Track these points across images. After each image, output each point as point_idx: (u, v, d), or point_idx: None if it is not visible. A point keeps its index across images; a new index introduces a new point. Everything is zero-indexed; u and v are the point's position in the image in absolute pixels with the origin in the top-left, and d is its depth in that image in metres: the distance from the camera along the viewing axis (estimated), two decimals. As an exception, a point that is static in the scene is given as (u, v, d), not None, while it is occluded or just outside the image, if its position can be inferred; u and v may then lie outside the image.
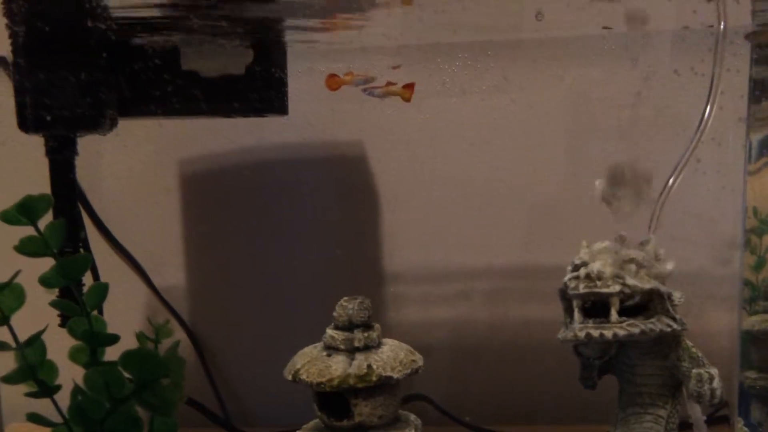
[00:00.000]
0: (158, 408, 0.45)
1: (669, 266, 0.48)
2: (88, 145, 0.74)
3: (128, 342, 0.54)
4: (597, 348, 0.52)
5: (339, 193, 0.97)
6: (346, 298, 0.61)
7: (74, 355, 0.54)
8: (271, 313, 0.98)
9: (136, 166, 1.00)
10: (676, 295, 0.48)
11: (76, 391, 0.50)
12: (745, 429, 0.71)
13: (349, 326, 0.59)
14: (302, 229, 0.97)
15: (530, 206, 0.92)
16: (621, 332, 0.46)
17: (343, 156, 0.96)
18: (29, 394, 0.51)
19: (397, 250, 0.98)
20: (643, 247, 0.48)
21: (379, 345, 0.60)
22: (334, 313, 0.60)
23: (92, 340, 0.51)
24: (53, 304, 0.53)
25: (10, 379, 0.49)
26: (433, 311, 0.99)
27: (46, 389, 0.51)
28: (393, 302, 0.97)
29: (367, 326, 0.59)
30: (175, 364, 0.45)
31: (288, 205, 0.98)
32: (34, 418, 0.51)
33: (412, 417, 0.62)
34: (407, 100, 0.61)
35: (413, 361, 0.60)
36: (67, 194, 0.63)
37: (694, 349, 0.51)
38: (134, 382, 0.44)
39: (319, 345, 0.61)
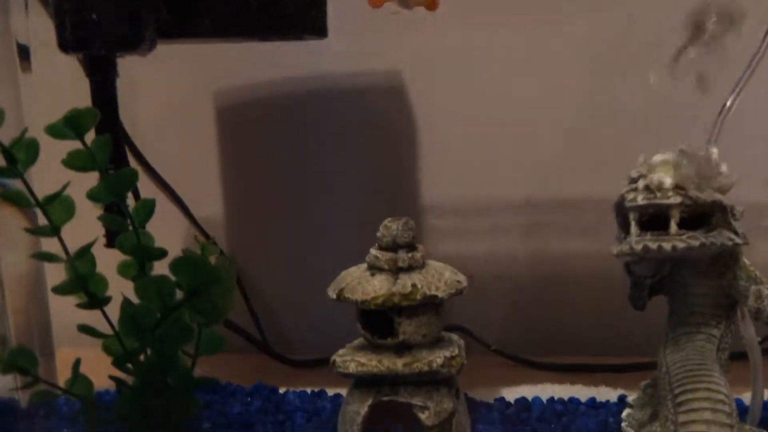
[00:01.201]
0: (209, 315, 0.46)
1: (732, 178, 0.46)
2: (122, 75, 0.74)
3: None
4: (651, 265, 0.51)
5: (377, 124, 0.95)
6: (390, 218, 0.60)
7: (123, 270, 0.54)
8: (308, 242, 0.98)
9: (173, 97, 0.99)
10: (738, 209, 0.46)
11: (126, 303, 0.50)
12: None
13: (393, 246, 0.58)
14: (339, 159, 0.97)
15: (571, 137, 0.90)
16: (680, 245, 0.44)
17: (381, 86, 0.94)
18: (80, 305, 0.51)
19: (435, 182, 0.96)
20: (705, 159, 0.46)
21: (423, 266, 0.59)
22: (378, 234, 0.59)
23: (141, 254, 0.51)
24: (102, 218, 0.53)
25: (61, 289, 0.50)
26: (470, 244, 0.98)
27: (97, 301, 0.52)
28: (430, 234, 0.97)
29: (411, 247, 0.59)
30: (225, 272, 0.45)
31: (325, 136, 0.97)
32: (85, 329, 0.52)
33: (456, 337, 0.61)
34: (430, 8, 0.58)
35: (458, 281, 0.59)
36: (109, 114, 0.63)
37: (752, 268, 0.50)
38: (185, 289, 0.44)
39: (363, 266, 0.60)
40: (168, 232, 1.02)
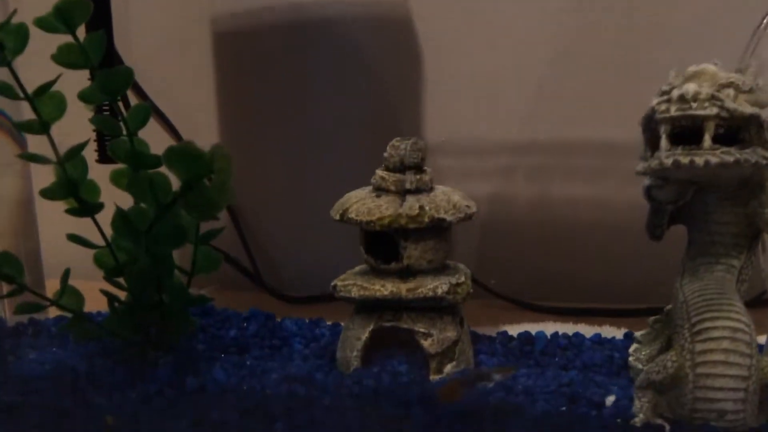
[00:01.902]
0: (204, 210, 0.43)
1: (770, 93, 0.43)
2: (116, 2, 0.69)
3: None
4: (674, 190, 0.48)
5: (381, 56, 0.91)
6: (398, 138, 0.57)
7: (116, 178, 0.51)
8: (307, 177, 0.95)
9: (168, 24, 0.95)
10: (774, 128, 0.44)
11: (119, 211, 0.47)
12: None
13: (400, 167, 0.56)
14: (342, 92, 0.93)
15: (580, 76, 0.86)
16: (714, 160, 0.42)
17: (387, 16, 0.90)
18: (70, 211, 0.49)
19: (438, 121, 0.93)
20: (742, 71, 0.43)
21: (431, 189, 0.57)
22: (385, 154, 0.56)
23: (135, 160, 0.48)
24: (94, 120, 0.49)
25: (49, 192, 0.47)
26: (472, 185, 0.95)
27: (87, 207, 0.49)
28: (437, 176, 0.94)
29: (419, 168, 0.56)
30: (221, 162, 0.42)
31: (327, 66, 0.93)
32: (75, 238, 0.50)
33: (462, 266, 0.59)
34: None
35: (467, 206, 0.57)
36: (103, 8, 0.59)
37: (780, 195, 0.48)
38: (180, 183, 0.41)
39: (368, 188, 0.58)
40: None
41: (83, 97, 0.49)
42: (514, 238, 0.93)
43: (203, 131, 0.96)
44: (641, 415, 0.47)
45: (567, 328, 0.65)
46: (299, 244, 0.96)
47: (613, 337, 0.63)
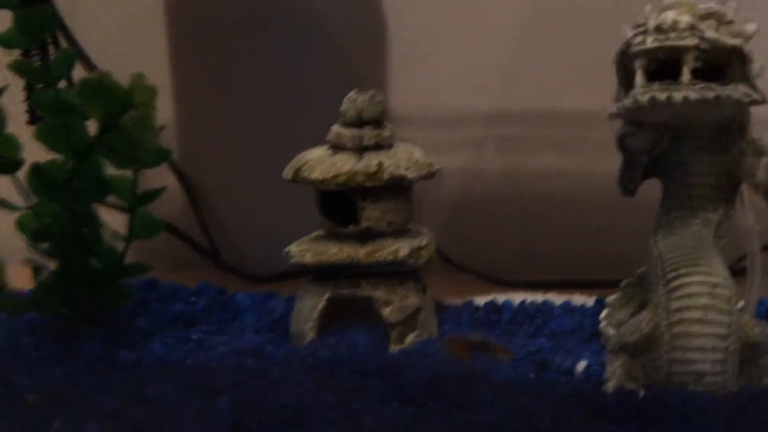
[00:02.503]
0: (126, 153, 0.38)
1: (751, 26, 0.40)
2: None
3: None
4: (648, 138, 0.45)
5: (344, 25, 0.87)
6: (355, 90, 0.53)
7: (42, 135, 0.46)
8: (270, 153, 0.91)
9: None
10: (756, 65, 0.41)
11: (34, 166, 0.43)
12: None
13: (358, 122, 0.52)
14: (299, 63, 0.88)
15: (552, 42, 0.83)
16: (693, 95, 0.38)
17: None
18: (-16, 167, 0.44)
19: (404, 89, 0.89)
20: (724, 2, 0.40)
21: (391, 145, 0.53)
22: (342, 108, 0.52)
23: (61, 111, 0.43)
24: (14, 66, 0.45)
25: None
26: (442, 158, 0.92)
27: (6, 164, 0.44)
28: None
29: (378, 123, 0.52)
30: (142, 95, 0.37)
31: (288, 36, 0.88)
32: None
33: (425, 229, 0.56)
34: None
35: (430, 164, 0.53)
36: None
37: (761, 142, 0.44)
38: (98, 125, 0.37)
39: (324, 146, 0.54)
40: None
41: (2, 41, 0.44)
42: (486, 211, 0.90)
43: (158, 106, 0.91)
44: (614, 381, 0.43)
45: (536, 298, 0.62)
46: (262, 220, 0.92)
47: (584, 304, 0.60)
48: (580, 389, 0.41)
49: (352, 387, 0.42)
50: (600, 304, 0.58)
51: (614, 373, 0.44)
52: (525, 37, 0.84)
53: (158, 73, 0.90)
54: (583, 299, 0.63)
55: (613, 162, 0.50)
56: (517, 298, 0.63)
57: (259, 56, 0.88)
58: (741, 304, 0.47)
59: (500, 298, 0.62)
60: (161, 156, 0.45)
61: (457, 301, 0.63)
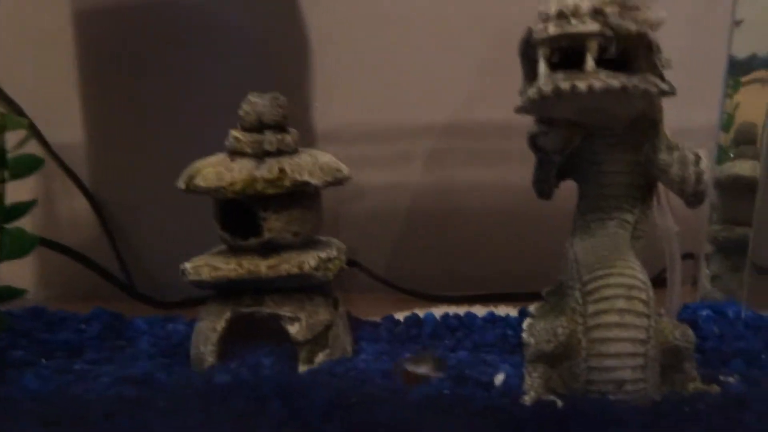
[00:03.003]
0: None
1: (658, 14, 0.38)
2: None
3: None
4: (559, 136, 0.43)
5: (262, 36, 0.83)
6: (254, 93, 0.49)
7: None
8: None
9: (24, 6, 0.84)
10: (665, 56, 0.39)
11: None
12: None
13: (258, 126, 0.48)
14: (218, 78, 0.84)
15: (476, 57, 0.82)
16: (598, 84, 0.36)
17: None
18: None
19: (328, 107, 0.86)
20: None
21: (295, 151, 0.49)
22: (240, 111, 0.49)
23: None
24: None
25: None
26: (369, 174, 0.89)
27: None
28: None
29: (281, 128, 0.48)
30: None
31: (202, 50, 0.84)
32: None
33: (336, 240, 0.52)
34: None
35: (338, 170, 0.49)
36: None
37: (673, 139, 0.43)
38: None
39: (223, 154, 0.50)
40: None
41: None
42: (411, 226, 0.87)
43: (67, 127, 0.85)
44: (532, 393, 0.40)
45: (459, 310, 0.59)
46: (178, 246, 0.87)
47: (507, 315, 0.57)
48: (494, 403, 0.38)
49: (247, 413, 0.38)
50: (523, 315, 0.56)
51: (532, 385, 0.41)
52: (449, 50, 0.82)
53: (67, 92, 0.85)
54: (507, 310, 0.61)
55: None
56: (440, 311, 0.60)
57: (175, 74, 0.83)
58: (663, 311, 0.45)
59: (422, 312, 0.59)
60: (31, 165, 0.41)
61: (376, 317, 0.59)
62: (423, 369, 0.44)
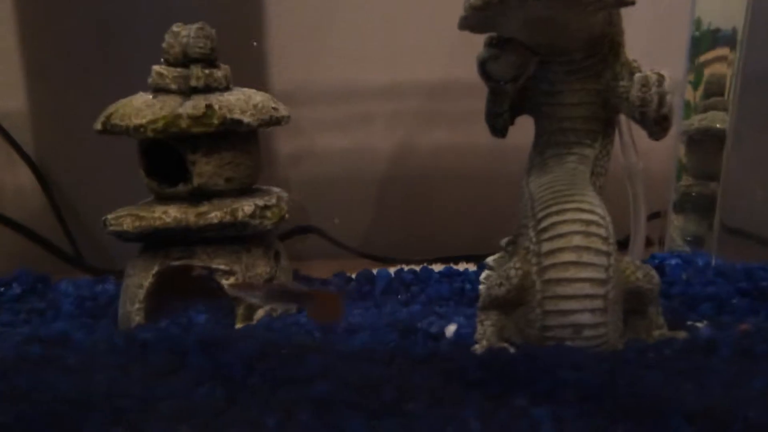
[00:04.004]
0: None
1: None
2: None
3: None
4: (510, 62, 0.39)
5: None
6: (178, 23, 0.45)
7: None
8: (129, 145, 0.81)
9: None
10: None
11: None
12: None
13: (183, 60, 0.43)
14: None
15: (441, 11, 0.78)
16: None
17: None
18: None
19: (284, 67, 0.81)
20: None
21: (228, 89, 0.45)
22: (164, 44, 0.44)
23: None
24: None
25: None
26: (327, 139, 0.85)
27: None
28: (281, 129, 0.82)
29: (209, 62, 0.44)
30: None
31: (146, 20, 0.78)
32: None
33: (278, 189, 0.48)
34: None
35: (274, 108, 0.45)
36: None
37: (635, 64, 0.39)
38: None
39: (146, 93, 0.45)
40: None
41: None
42: (373, 191, 0.83)
43: (9, 95, 0.80)
44: (483, 342, 0.37)
45: (417, 267, 0.56)
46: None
47: (466, 269, 0.53)
48: (437, 352, 0.34)
49: (164, 369, 0.34)
50: (483, 268, 0.52)
51: (484, 334, 0.37)
52: (413, 7, 0.78)
53: (8, 60, 0.79)
54: (467, 266, 0.57)
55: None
56: (395, 268, 0.56)
57: (124, 35, 0.78)
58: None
59: (377, 270, 0.55)
60: None
61: (327, 275, 0.55)
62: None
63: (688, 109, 0.64)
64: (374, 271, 0.53)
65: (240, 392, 0.31)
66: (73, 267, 0.75)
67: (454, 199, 0.81)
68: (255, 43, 0.75)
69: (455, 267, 0.54)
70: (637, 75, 0.37)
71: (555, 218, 0.36)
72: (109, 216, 0.43)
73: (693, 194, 0.64)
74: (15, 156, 0.80)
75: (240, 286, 0.39)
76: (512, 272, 0.36)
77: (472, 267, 0.55)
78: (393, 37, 0.78)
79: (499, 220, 0.75)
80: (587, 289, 0.35)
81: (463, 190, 0.80)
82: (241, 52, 0.81)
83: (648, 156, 0.48)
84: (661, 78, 0.36)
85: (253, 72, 0.80)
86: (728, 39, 0.61)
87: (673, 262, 0.49)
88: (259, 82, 0.82)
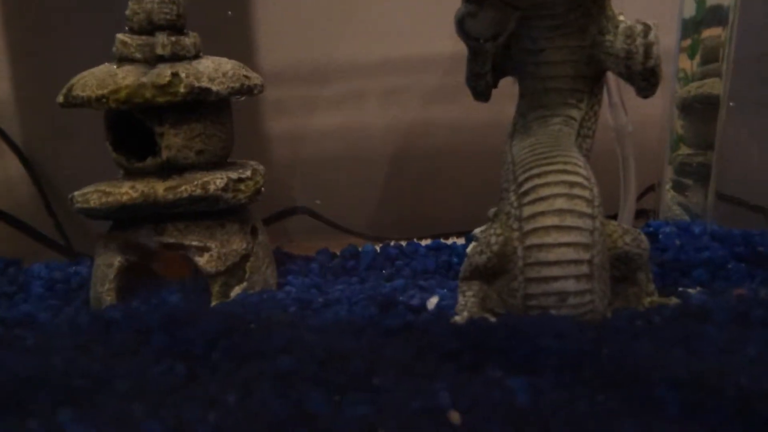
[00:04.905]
0: None
1: None
2: None
3: None
4: (489, 18, 0.37)
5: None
6: (142, -11, 0.43)
7: None
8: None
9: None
10: None
11: None
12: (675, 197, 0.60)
13: (148, 28, 0.41)
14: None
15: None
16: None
17: None
18: None
19: (274, 45, 0.79)
20: None
21: (197, 56, 0.43)
22: (127, 11, 0.42)
23: None
24: None
25: None
26: (319, 118, 0.83)
27: None
28: (271, 109, 0.80)
29: (175, 29, 0.42)
30: None
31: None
32: None
33: (254, 163, 0.46)
34: None
35: (246, 76, 0.43)
36: None
37: (621, 18, 0.37)
38: None
39: (110, 64, 0.43)
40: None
41: None
42: (366, 169, 0.81)
43: None
44: (464, 313, 0.35)
45: (403, 243, 0.54)
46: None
47: (453, 243, 0.51)
48: (413, 325, 0.33)
49: (126, 348, 0.32)
50: (470, 240, 0.50)
51: (465, 305, 0.36)
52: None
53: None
54: (455, 240, 0.55)
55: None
56: (381, 244, 0.54)
57: (110, 16, 0.76)
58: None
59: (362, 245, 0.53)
60: None
61: (311, 252, 0.54)
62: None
63: (685, 78, 0.62)
64: (359, 248, 0.51)
65: (201, 369, 0.29)
66: (62, 255, 0.74)
67: (449, 176, 0.79)
68: (230, 13, 0.73)
69: (443, 241, 0.52)
70: (622, 26, 0.34)
71: (537, 181, 0.34)
72: (76, 193, 0.42)
73: (693, 164, 0.62)
74: (2, 145, 0.79)
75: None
76: (492, 239, 0.35)
77: (460, 241, 0.53)
78: (384, 13, 0.76)
79: (494, 197, 0.74)
80: (571, 254, 0.33)
81: (457, 167, 0.78)
82: (230, 28, 0.80)
83: (641, 128, 0.46)
84: (647, 28, 0.34)
85: (242, 48, 0.78)
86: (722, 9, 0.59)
87: (668, 229, 0.47)
88: (247, 59, 0.80)
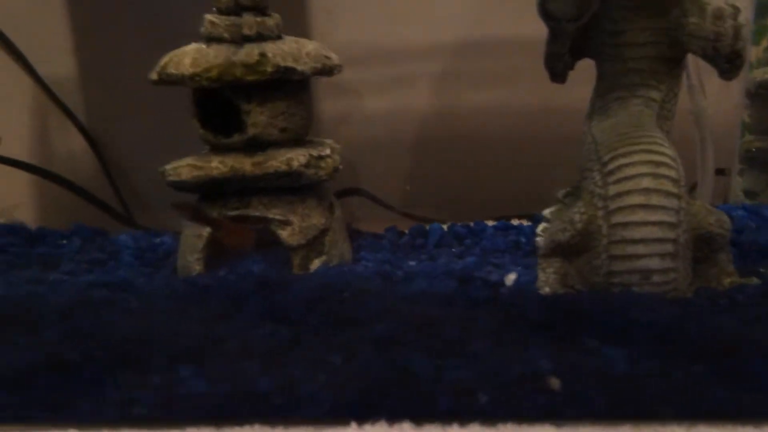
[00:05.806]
0: None
1: None
2: None
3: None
4: (571, 1, 0.38)
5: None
6: (230, -29, 0.44)
7: None
8: (177, 108, 0.81)
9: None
10: None
11: None
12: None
13: (235, 9, 0.43)
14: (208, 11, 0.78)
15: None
16: None
17: None
18: None
19: (326, 28, 0.80)
20: None
21: (279, 37, 0.44)
22: (215, -7, 0.44)
23: None
24: None
25: None
26: (371, 100, 0.84)
27: None
28: (324, 92, 0.82)
29: (260, 10, 0.43)
30: None
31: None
32: None
33: (331, 141, 0.47)
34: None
35: (326, 57, 0.44)
36: None
37: (706, 0, 0.37)
38: None
39: (199, 43, 0.45)
40: (11, 98, 0.84)
41: None
42: (418, 153, 0.82)
43: (60, 58, 0.81)
44: (546, 289, 0.36)
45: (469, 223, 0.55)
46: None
47: (520, 224, 0.52)
48: (498, 297, 0.34)
49: (224, 311, 0.34)
50: (538, 221, 0.51)
51: (547, 281, 0.37)
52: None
53: (58, 26, 0.80)
54: (521, 221, 0.56)
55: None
56: (448, 224, 0.55)
57: (172, 3, 0.78)
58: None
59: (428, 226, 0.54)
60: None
61: (379, 230, 0.55)
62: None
63: (750, 64, 0.61)
64: (426, 226, 0.52)
65: (302, 332, 0.31)
66: (125, 226, 0.77)
67: (499, 160, 0.79)
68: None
69: (509, 222, 0.53)
70: (710, 7, 0.35)
71: (622, 160, 0.35)
72: (167, 167, 0.44)
73: (753, 150, 0.62)
74: (67, 121, 0.81)
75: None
76: (576, 217, 0.35)
77: (525, 222, 0.54)
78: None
79: (547, 181, 0.74)
80: (656, 232, 0.34)
81: (510, 151, 0.78)
82: (285, 16, 0.81)
83: (713, 114, 0.46)
84: (736, 10, 0.34)
85: (299, 33, 0.79)
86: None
87: (739, 213, 0.47)
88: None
